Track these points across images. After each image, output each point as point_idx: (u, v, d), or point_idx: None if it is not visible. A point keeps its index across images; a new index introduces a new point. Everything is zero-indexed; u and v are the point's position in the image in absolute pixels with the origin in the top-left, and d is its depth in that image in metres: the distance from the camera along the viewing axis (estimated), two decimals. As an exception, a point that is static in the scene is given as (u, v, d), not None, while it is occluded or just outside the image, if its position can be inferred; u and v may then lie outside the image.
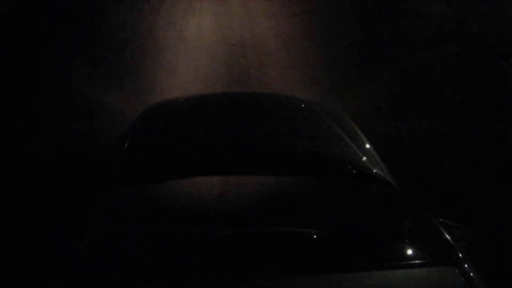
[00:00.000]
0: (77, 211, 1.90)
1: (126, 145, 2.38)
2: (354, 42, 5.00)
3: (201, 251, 1.64)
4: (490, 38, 4.80)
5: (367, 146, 2.43)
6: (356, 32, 5.05)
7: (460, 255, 1.68)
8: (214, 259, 1.60)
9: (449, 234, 1.84)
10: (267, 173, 2.09)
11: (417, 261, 1.66)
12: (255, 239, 1.69)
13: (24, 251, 2.25)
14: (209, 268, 1.57)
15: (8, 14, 4.78)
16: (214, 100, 3.04)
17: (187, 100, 3.02)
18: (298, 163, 2.17)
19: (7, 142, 4.00)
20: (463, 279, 1.57)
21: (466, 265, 1.63)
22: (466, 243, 1.85)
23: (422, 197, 2.25)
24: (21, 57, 4.64)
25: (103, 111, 4.38)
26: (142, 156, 2.22)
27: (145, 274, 1.54)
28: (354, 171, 2.18)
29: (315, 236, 1.73)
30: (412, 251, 1.72)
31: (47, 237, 1.82)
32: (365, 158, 2.29)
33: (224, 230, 1.72)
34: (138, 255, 1.64)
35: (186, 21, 5.22)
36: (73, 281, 1.55)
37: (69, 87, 4.57)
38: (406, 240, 1.78)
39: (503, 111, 4.38)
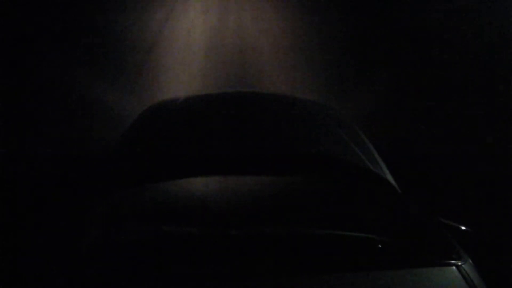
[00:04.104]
0: (77, 211, 1.90)
1: (126, 145, 2.38)
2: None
3: (201, 251, 1.64)
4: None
5: (368, 146, 2.43)
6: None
7: (460, 255, 1.68)
8: (214, 259, 1.60)
9: (449, 234, 1.85)
10: (267, 173, 2.09)
11: (417, 261, 1.66)
12: (256, 239, 1.69)
13: (24, 251, 2.25)
14: (209, 268, 1.57)
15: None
16: (214, 100, 3.04)
17: (187, 100, 3.02)
18: (299, 163, 2.17)
19: (7, 142, 4.00)
20: (463, 279, 1.57)
21: (466, 265, 1.63)
22: (466, 243, 1.85)
23: (422, 197, 2.25)
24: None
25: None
26: (142, 156, 2.22)
27: (145, 274, 1.54)
28: (354, 171, 2.18)
29: (315, 236, 1.73)
30: (412, 251, 1.72)
31: (47, 237, 1.82)
32: (365, 158, 2.29)
33: (224, 230, 1.72)
34: (138, 255, 1.65)
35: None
36: (74, 281, 1.55)
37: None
38: (406, 240, 1.78)
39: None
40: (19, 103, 4.40)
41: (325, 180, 2.10)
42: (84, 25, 4.78)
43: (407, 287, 1.57)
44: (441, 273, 1.62)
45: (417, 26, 4.80)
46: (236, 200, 1.94)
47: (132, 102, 4.26)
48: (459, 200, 3.32)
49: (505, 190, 3.58)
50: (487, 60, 4.69)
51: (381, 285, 1.56)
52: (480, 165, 3.85)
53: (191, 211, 1.86)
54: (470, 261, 1.67)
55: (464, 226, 1.98)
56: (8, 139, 4.05)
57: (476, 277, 1.60)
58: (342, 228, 1.78)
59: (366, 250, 1.69)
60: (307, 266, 1.59)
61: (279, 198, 1.98)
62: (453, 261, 1.64)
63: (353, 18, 5.00)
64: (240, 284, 1.53)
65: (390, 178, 2.20)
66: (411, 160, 3.73)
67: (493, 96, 4.52)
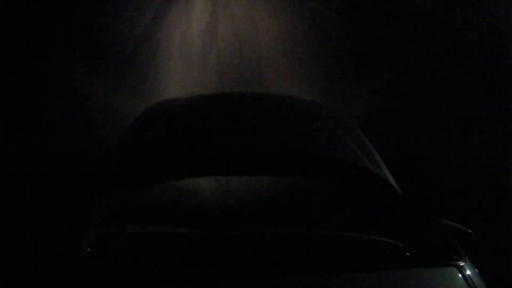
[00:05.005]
0: (77, 211, 1.90)
1: (126, 145, 2.38)
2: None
3: (201, 251, 1.64)
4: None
5: (368, 146, 2.42)
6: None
7: (461, 256, 1.68)
8: (214, 260, 1.60)
9: (450, 235, 1.84)
10: (268, 174, 2.09)
11: (418, 262, 1.66)
12: (256, 240, 1.69)
13: (24, 251, 2.25)
14: (209, 269, 1.57)
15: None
16: (215, 100, 3.04)
17: (188, 100, 3.02)
18: (299, 164, 2.17)
19: (7, 142, 4.00)
20: (463, 280, 1.57)
21: (466, 266, 1.62)
22: (467, 244, 1.85)
23: (423, 198, 2.25)
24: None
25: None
26: (142, 156, 2.22)
27: (145, 274, 1.54)
28: (355, 172, 2.18)
29: (315, 236, 1.73)
30: (413, 251, 1.72)
31: (47, 237, 1.82)
32: (366, 158, 2.28)
33: (224, 230, 1.72)
34: (137, 255, 1.64)
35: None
36: (73, 281, 1.55)
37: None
38: (407, 241, 1.77)
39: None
40: (20, 103, 4.40)
41: (325, 180, 2.10)
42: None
43: (407, 287, 1.57)
44: (442, 274, 1.61)
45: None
46: (236, 200, 1.93)
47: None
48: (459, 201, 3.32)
49: (505, 189, 3.58)
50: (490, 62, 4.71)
51: (382, 285, 1.56)
52: (480, 165, 3.86)
53: (191, 211, 1.86)
54: (471, 262, 1.67)
55: (464, 227, 1.98)
56: (8, 139, 4.05)
57: (477, 278, 1.60)
58: (342, 229, 1.78)
59: (366, 251, 1.69)
60: (308, 266, 1.59)
61: (279, 198, 1.98)
62: (453, 262, 1.64)
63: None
64: (240, 284, 1.53)
65: (390, 178, 2.20)
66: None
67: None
